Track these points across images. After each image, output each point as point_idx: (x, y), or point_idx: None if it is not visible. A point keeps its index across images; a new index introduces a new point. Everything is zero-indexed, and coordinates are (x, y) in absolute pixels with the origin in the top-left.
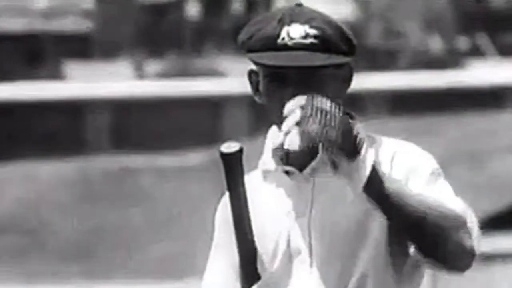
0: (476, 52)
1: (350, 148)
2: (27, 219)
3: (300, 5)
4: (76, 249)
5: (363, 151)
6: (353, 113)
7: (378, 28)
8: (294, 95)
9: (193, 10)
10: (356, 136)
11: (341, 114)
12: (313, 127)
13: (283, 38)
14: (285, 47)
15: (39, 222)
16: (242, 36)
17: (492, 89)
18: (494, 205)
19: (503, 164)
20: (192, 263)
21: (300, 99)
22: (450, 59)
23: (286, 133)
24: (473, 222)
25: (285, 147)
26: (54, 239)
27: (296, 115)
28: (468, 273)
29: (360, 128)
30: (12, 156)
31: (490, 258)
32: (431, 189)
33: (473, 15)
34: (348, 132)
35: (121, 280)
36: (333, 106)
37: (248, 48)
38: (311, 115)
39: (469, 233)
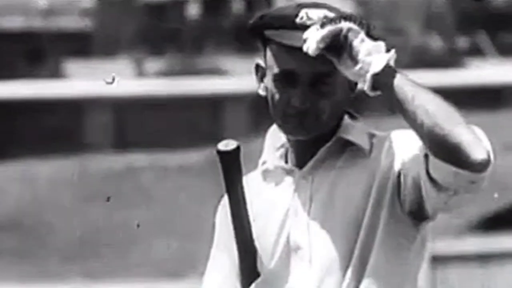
0: (476, 51)
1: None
2: (27, 219)
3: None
4: (77, 249)
5: (380, 43)
6: (354, 113)
7: (378, 26)
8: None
9: (193, 9)
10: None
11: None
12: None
13: (301, 18)
14: (303, 27)
15: (39, 222)
16: (254, 19)
17: (492, 89)
18: (493, 205)
19: (503, 164)
20: (192, 263)
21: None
22: (450, 59)
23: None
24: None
25: (305, 48)
26: (54, 238)
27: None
28: (467, 272)
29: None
30: (12, 156)
31: (489, 258)
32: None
33: (473, 14)
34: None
35: (121, 280)
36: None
37: (263, 25)
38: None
39: (476, 134)
